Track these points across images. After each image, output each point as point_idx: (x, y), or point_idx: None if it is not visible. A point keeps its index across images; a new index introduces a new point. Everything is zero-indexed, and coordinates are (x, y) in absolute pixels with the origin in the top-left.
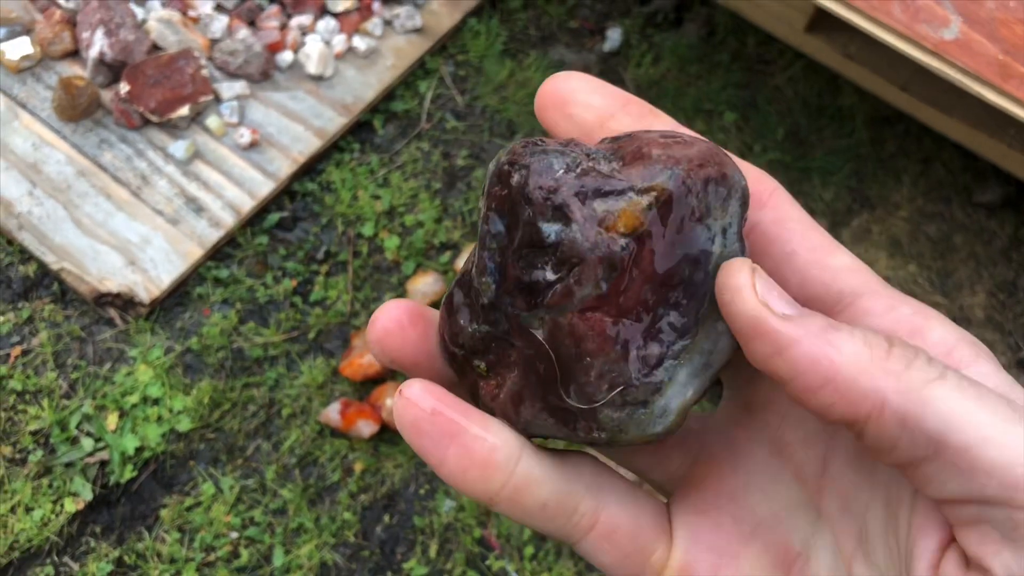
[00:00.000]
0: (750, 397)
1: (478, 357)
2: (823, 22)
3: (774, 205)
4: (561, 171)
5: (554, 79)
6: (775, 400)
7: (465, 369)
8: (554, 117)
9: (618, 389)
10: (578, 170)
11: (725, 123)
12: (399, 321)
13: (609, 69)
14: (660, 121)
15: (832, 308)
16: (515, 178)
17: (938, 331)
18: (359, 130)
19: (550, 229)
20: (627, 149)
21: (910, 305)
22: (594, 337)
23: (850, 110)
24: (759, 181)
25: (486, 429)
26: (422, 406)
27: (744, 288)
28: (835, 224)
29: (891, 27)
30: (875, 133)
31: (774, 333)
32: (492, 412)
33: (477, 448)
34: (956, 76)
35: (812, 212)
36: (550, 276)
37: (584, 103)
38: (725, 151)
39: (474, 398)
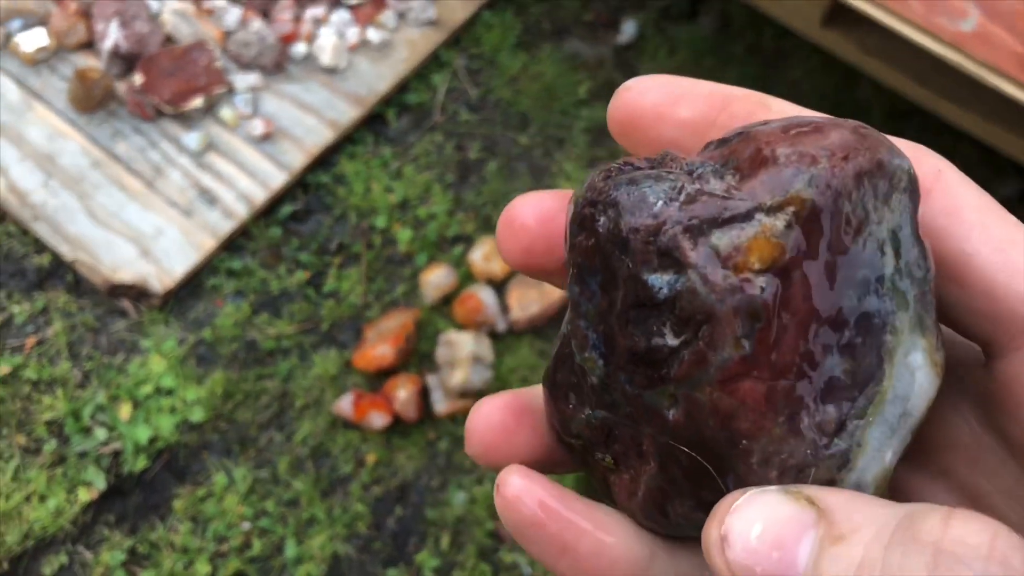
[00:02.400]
0: (924, 432)
1: (600, 449)
2: (840, 16)
3: (943, 190)
4: (660, 202)
5: (624, 93)
6: (960, 441)
7: (588, 461)
8: (637, 144)
9: (793, 473)
10: (682, 196)
11: None
12: (502, 425)
13: (623, 62)
14: (775, 113)
15: None
16: (602, 221)
17: None
18: (372, 122)
19: (660, 281)
20: (742, 155)
21: None
22: (747, 412)
23: (867, 104)
24: (918, 161)
25: (606, 531)
26: (528, 504)
27: (716, 561)
28: None
29: (909, 19)
30: (892, 127)
31: None
32: (632, 514)
33: (596, 561)
34: (974, 69)
35: None
36: (672, 341)
37: (672, 120)
38: (872, 129)
39: (607, 494)
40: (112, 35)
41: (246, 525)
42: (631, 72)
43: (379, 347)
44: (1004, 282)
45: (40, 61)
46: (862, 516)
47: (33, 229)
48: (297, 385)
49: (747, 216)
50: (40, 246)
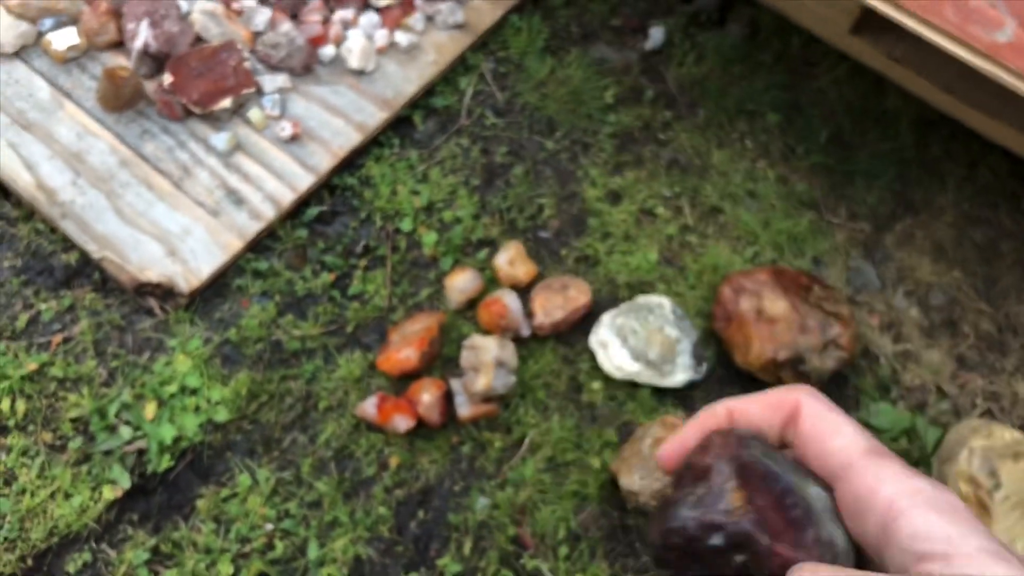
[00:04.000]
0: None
1: None
2: (868, 24)
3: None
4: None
5: None
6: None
7: None
8: None
9: None
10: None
11: (768, 124)
12: None
13: (651, 68)
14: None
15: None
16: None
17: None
18: (399, 125)
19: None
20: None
21: (917, 479)
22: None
23: (895, 113)
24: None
25: None
26: None
27: None
28: (878, 228)
29: (942, 29)
30: (920, 136)
31: None
32: None
33: None
34: (1009, 79)
35: (855, 216)
36: None
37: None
38: (726, 432)
39: None
40: (142, 35)
41: (269, 526)
42: (658, 78)
43: (403, 350)
44: (815, 450)
45: (70, 60)
46: None
47: (61, 227)
48: (321, 387)
49: (719, 494)
50: (68, 244)
